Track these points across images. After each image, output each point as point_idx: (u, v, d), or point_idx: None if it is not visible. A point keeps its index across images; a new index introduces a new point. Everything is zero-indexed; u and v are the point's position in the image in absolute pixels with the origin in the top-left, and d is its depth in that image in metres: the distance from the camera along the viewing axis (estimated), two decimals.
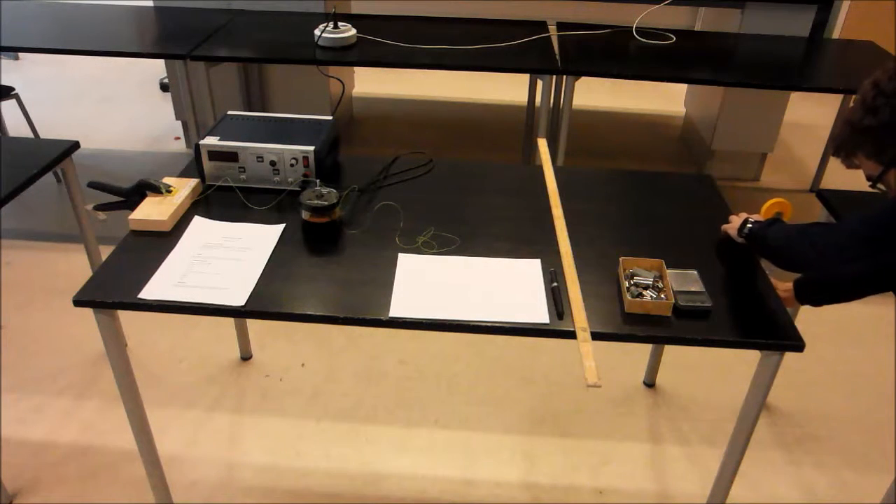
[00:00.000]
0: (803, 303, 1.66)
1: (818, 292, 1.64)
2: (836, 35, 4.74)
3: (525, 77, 4.04)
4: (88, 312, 2.48)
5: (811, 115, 4.43)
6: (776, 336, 1.34)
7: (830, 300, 1.65)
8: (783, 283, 1.63)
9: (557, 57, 2.69)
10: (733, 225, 1.56)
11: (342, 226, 1.64)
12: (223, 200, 1.73)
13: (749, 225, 1.51)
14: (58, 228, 3.06)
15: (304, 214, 1.57)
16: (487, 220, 1.69)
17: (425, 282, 1.46)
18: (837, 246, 1.31)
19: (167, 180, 1.72)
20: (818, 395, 2.32)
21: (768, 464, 2.06)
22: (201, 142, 1.72)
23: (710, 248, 1.61)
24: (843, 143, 1.35)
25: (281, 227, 1.63)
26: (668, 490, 1.97)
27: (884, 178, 1.31)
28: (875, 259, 1.29)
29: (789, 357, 2.40)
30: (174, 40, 2.74)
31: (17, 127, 3.73)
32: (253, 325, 2.49)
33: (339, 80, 3.66)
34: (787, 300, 1.62)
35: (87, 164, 3.55)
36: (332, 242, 1.59)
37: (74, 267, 2.81)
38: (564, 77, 2.66)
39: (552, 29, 3.00)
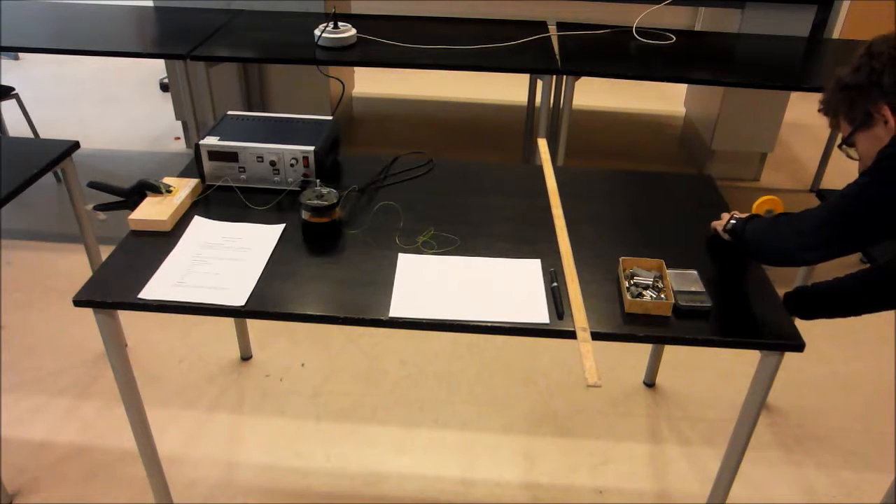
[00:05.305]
0: (792, 314, 1.63)
1: (809, 303, 1.63)
2: (836, 35, 4.74)
3: (525, 77, 4.04)
4: (88, 312, 2.48)
5: (811, 115, 4.43)
6: (776, 336, 1.34)
7: (823, 313, 1.63)
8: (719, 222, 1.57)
9: (557, 57, 2.69)
10: (721, 222, 1.56)
11: (342, 226, 1.64)
12: (223, 200, 1.73)
13: (732, 221, 1.51)
14: (58, 228, 3.06)
15: (304, 214, 1.57)
16: (487, 220, 1.69)
17: (425, 282, 1.46)
18: (798, 231, 1.32)
19: (167, 180, 1.72)
20: (818, 395, 2.32)
21: (768, 464, 2.06)
22: (201, 142, 1.72)
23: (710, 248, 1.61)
24: (828, 101, 1.35)
25: (281, 227, 1.63)
26: (667, 490, 1.97)
27: (852, 139, 1.31)
28: (834, 246, 1.28)
29: (789, 357, 2.40)
30: (174, 40, 2.74)
31: (17, 127, 3.73)
32: (253, 325, 2.49)
33: (339, 80, 3.66)
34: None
35: (87, 164, 3.55)
36: (332, 242, 1.59)
37: (74, 267, 2.81)
38: (564, 77, 2.66)
39: (552, 29, 3.00)
